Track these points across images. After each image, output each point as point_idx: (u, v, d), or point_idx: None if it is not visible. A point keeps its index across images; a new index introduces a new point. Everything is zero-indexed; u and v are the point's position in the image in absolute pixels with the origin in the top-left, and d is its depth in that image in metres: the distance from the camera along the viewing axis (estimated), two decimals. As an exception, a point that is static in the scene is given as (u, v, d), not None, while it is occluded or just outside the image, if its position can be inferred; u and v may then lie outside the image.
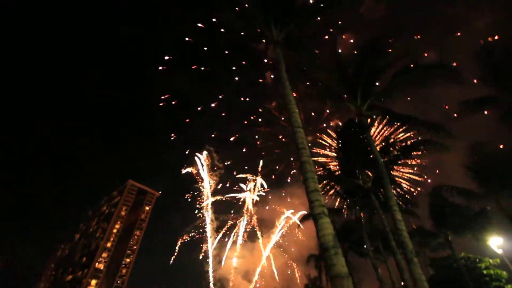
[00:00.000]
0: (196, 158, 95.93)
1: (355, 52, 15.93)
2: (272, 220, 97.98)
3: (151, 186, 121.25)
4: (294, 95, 10.71)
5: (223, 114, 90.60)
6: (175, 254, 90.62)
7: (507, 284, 22.66)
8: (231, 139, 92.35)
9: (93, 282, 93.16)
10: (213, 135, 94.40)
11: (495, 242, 21.60)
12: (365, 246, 24.97)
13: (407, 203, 22.86)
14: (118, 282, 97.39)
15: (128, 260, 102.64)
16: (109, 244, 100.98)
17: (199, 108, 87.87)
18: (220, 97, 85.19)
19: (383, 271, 25.24)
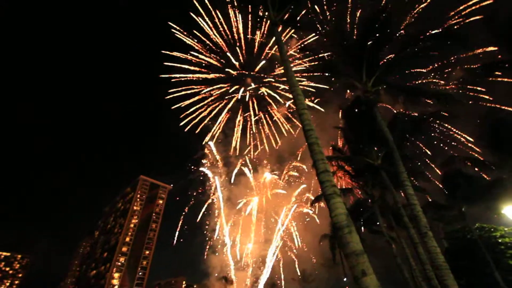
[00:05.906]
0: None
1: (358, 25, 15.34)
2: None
3: (164, 180, 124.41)
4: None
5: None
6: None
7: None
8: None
9: (116, 275, 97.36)
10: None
11: (511, 210, 21.35)
12: (377, 224, 25.08)
13: (419, 178, 22.63)
14: (140, 273, 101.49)
15: (147, 252, 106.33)
16: (127, 239, 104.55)
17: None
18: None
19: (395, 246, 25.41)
